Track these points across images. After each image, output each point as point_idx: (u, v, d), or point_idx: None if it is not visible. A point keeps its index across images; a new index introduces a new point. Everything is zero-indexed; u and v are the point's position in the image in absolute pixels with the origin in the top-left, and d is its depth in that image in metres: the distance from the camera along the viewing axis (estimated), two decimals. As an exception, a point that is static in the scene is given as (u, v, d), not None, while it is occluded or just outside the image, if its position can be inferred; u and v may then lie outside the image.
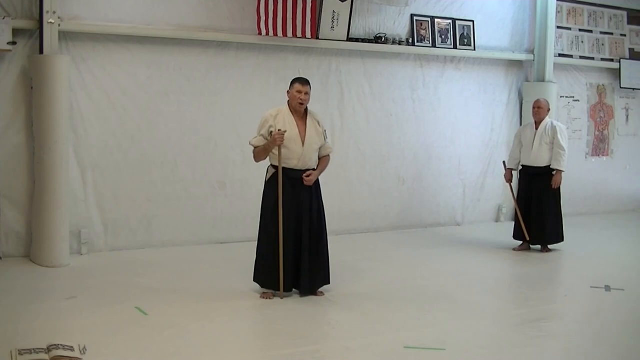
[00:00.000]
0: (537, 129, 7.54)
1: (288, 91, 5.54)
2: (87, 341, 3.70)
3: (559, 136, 7.40)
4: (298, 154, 5.44)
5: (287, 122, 5.43)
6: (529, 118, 7.90)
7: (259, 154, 5.48)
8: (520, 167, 7.78)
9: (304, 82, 5.51)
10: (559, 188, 7.54)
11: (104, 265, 6.46)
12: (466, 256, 7.35)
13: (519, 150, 7.73)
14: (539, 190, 7.52)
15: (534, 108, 7.64)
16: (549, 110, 7.61)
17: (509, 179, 7.76)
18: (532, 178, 7.58)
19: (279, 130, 5.33)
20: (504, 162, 7.89)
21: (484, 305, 5.66)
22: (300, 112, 5.51)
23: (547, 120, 7.55)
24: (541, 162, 7.49)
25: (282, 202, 5.41)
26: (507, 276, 6.96)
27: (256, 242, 5.63)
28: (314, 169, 5.55)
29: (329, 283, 5.68)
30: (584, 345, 4.73)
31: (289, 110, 5.50)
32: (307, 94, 5.48)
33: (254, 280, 5.60)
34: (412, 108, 8.69)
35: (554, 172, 7.45)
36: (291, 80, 5.57)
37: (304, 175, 5.46)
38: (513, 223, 7.87)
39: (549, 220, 7.52)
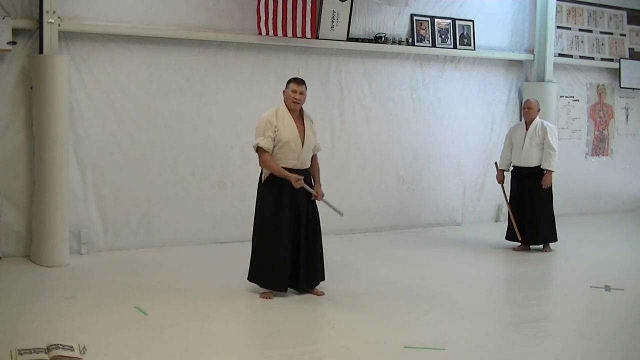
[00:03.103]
0: (527, 129, 7.54)
1: (284, 91, 5.56)
2: (87, 341, 3.71)
3: (549, 136, 7.41)
4: (297, 154, 5.47)
5: (287, 123, 5.45)
6: (529, 118, 7.91)
7: (272, 168, 5.41)
8: (512, 168, 7.78)
9: (300, 82, 5.53)
10: (551, 188, 7.55)
11: (104, 265, 6.46)
12: (466, 256, 7.35)
13: (510, 151, 7.73)
14: (531, 191, 7.52)
15: (524, 109, 7.68)
16: (539, 110, 7.61)
17: (500, 180, 7.77)
18: (523, 179, 7.58)
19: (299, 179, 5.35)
20: (495, 163, 7.91)
21: (484, 305, 5.67)
22: (296, 112, 5.53)
23: (538, 120, 7.55)
24: (532, 163, 7.49)
25: (284, 203, 5.44)
26: (507, 276, 6.96)
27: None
28: (308, 169, 5.61)
29: (324, 279, 5.71)
30: (584, 345, 4.73)
31: (286, 110, 5.51)
32: (302, 93, 5.49)
33: (251, 280, 5.60)
34: (412, 108, 8.69)
35: (544, 172, 7.45)
36: (287, 80, 5.59)
37: (317, 197, 5.57)
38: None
39: (542, 220, 7.52)
